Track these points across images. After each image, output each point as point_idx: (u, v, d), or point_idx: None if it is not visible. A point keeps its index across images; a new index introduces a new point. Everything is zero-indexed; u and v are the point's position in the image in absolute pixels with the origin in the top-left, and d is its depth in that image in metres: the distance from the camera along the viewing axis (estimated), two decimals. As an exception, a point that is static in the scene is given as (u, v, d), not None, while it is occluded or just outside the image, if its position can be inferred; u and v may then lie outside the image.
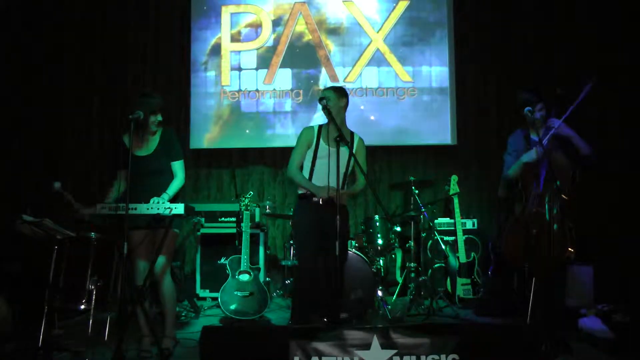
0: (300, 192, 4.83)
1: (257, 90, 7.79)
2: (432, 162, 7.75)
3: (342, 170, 4.68)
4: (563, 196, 4.35)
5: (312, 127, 4.88)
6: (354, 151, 4.73)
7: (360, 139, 4.96)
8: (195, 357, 4.04)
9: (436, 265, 6.61)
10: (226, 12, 7.89)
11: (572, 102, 4.49)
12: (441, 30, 7.71)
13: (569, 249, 4.32)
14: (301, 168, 4.84)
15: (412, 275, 6.24)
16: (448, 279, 6.35)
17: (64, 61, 7.73)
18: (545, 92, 4.69)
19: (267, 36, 7.83)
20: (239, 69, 7.83)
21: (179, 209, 4.13)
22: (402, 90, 7.67)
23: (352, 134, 4.90)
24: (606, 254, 6.52)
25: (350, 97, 7.45)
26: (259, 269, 5.79)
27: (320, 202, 4.61)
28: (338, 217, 4.10)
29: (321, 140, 4.77)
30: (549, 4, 7.50)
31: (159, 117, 4.49)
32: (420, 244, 6.59)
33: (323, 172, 4.61)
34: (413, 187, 6.40)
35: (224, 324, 5.67)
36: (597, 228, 6.66)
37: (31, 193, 6.99)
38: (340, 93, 4.84)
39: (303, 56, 7.81)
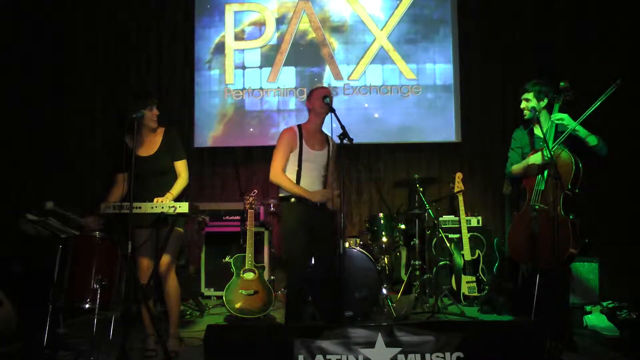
0: (282, 194, 4.76)
1: (261, 89, 7.79)
2: (436, 159, 7.74)
3: (323, 173, 4.80)
4: (566, 192, 4.34)
5: (293, 129, 4.80)
6: (331, 153, 4.86)
7: (334, 142, 4.89)
8: (200, 356, 4.03)
9: (441, 263, 6.58)
10: (230, 10, 7.89)
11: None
12: (445, 27, 7.69)
13: (573, 245, 4.30)
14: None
15: (417, 273, 6.25)
16: (453, 277, 6.33)
17: (67, 60, 7.73)
18: (542, 87, 4.67)
19: (270, 34, 7.83)
20: (243, 67, 7.84)
21: (183, 207, 4.14)
22: (406, 88, 7.66)
23: (328, 136, 4.92)
24: (611, 250, 6.50)
25: (354, 95, 7.63)
26: (263, 268, 5.79)
27: (313, 204, 4.58)
28: (342, 215, 4.10)
29: (304, 144, 4.73)
30: (553, 1, 7.47)
31: (155, 111, 4.51)
32: (425, 242, 6.59)
33: (310, 176, 4.65)
34: (417, 185, 6.38)
35: (228, 322, 5.68)
36: (602, 224, 6.64)
37: (35, 193, 7.01)
38: None
39: (307, 54, 7.81)
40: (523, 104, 4.72)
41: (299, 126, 4.84)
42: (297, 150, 4.70)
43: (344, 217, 4.25)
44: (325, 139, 4.89)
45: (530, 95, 4.66)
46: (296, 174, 4.70)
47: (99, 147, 7.73)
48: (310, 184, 4.66)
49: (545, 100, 4.62)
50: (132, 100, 4.45)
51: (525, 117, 4.73)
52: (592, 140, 4.45)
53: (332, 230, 4.32)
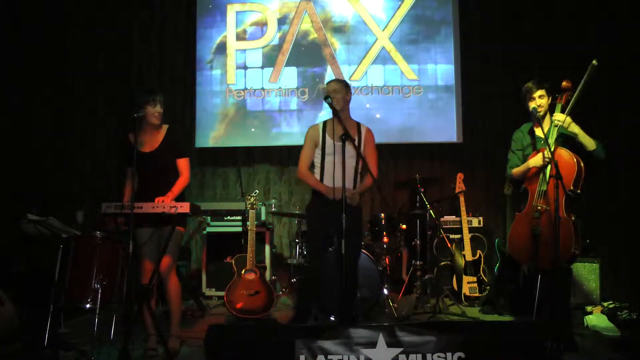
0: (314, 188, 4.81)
1: (262, 89, 7.79)
2: (437, 160, 7.73)
3: (352, 165, 4.70)
4: (568, 192, 4.33)
5: (317, 125, 4.85)
6: (362, 143, 4.77)
7: (368, 130, 4.88)
8: (201, 356, 4.04)
9: (442, 264, 6.59)
10: (232, 10, 7.90)
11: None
12: (446, 28, 7.69)
13: (574, 246, 4.29)
14: (312, 166, 4.83)
15: (418, 273, 6.24)
16: (454, 277, 6.34)
17: (69, 60, 7.75)
18: (549, 85, 4.64)
19: (272, 34, 7.83)
20: (245, 67, 7.84)
21: (184, 207, 4.14)
22: (408, 88, 7.66)
23: (358, 125, 4.85)
24: (612, 250, 6.50)
25: (355, 95, 7.64)
26: (264, 268, 5.79)
27: (333, 200, 4.50)
28: (343, 215, 4.09)
29: (327, 136, 4.72)
30: (554, 2, 7.47)
31: (159, 108, 4.46)
32: (426, 242, 6.58)
33: (331, 169, 4.57)
34: (419, 185, 6.38)
35: (229, 322, 5.67)
36: (604, 224, 6.63)
37: (37, 193, 7.01)
38: (347, 86, 4.80)
39: (308, 54, 7.81)
40: (544, 101, 4.63)
41: (324, 121, 4.84)
42: (320, 144, 4.74)
43: (345, 218, 4.23)
44: (354, 127, 4.83)
45: (543, 92, 4.60)
46: (320, 168, 4.75)
47: (100, 147, 7.74)
48: (336, 177, 4.53)
49: (550, 99, 4.61)
50: (137, 95, 4.45)
51: (540, 114, 4.62)
52: (590, 144, 4.45)
53: (349, 228, 4.27)
